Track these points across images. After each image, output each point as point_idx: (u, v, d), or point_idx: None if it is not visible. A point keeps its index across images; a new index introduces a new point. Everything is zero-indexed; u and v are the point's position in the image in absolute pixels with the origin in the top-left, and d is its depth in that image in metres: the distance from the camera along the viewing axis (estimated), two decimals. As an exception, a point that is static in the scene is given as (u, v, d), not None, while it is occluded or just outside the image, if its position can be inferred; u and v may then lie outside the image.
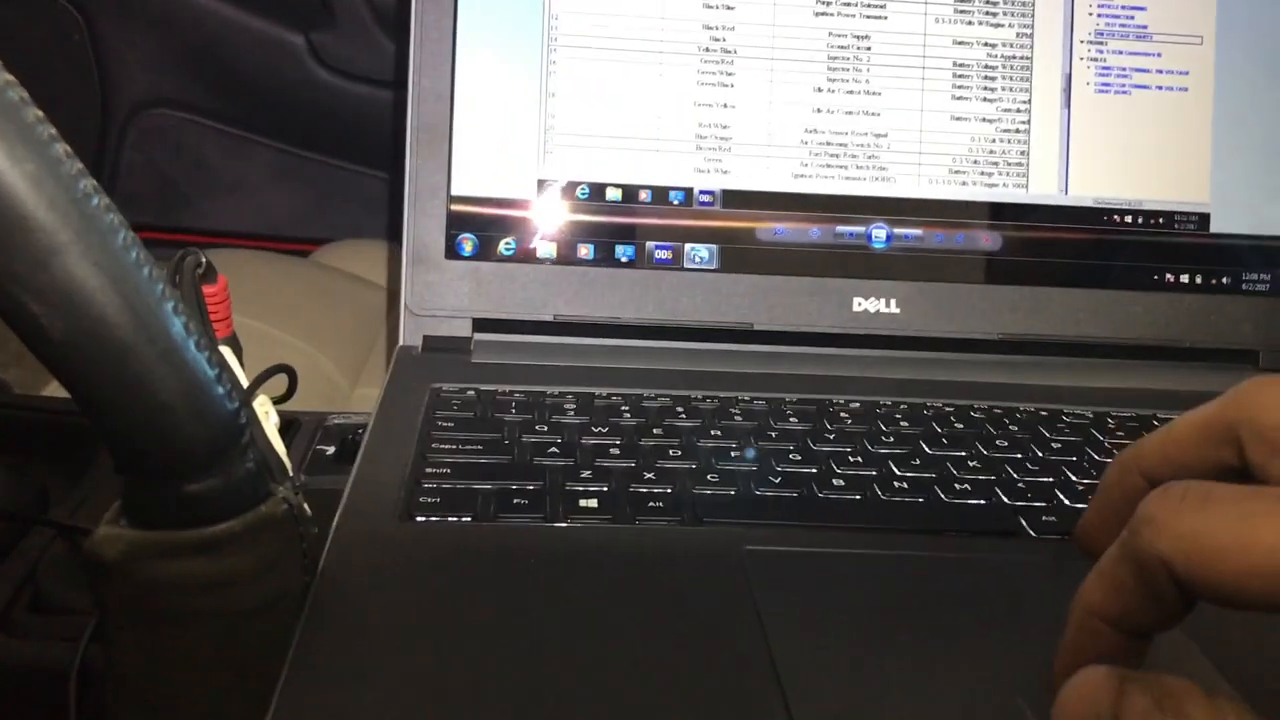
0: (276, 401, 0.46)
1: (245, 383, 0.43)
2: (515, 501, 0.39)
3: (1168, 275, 0.58)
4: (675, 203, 0.56)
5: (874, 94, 0.56)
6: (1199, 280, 0.58)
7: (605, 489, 0.40)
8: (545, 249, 0.56)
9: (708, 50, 0.56)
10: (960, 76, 0.57)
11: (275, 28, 1.11)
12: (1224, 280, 0.58)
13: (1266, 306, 0.58)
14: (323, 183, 1.18)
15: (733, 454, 0.44)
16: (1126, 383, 0.55)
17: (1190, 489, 0.22)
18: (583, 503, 0.39)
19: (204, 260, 0.46)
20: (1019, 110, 0.57)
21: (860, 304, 0.56)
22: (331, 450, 0.51)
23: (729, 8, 0.56)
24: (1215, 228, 0.58)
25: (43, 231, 0.27)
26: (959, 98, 0.57)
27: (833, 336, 0.56)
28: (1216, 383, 0.54)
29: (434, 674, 0.30)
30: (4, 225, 0.27)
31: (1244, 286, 0.58)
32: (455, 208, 0.55)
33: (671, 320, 0.56)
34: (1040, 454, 0.46)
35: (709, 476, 0.42)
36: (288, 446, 0.50)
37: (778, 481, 0.42)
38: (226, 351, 0.44)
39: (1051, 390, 0.53)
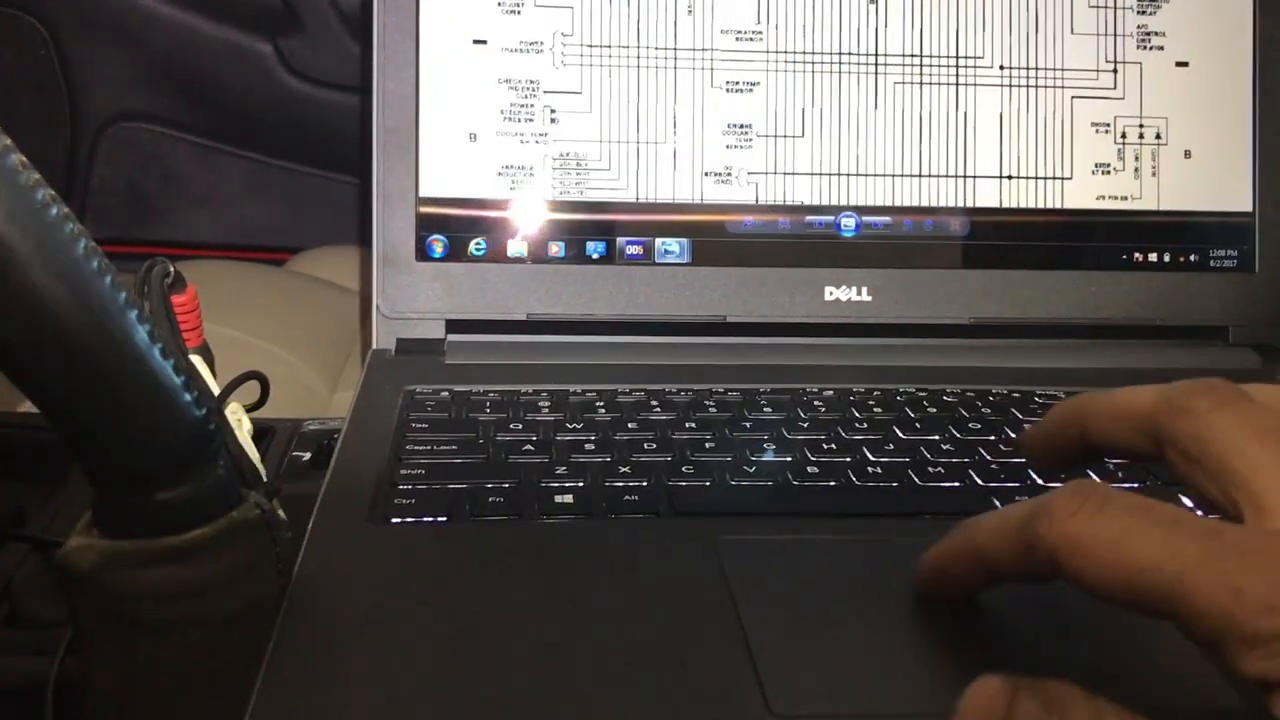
0: (250, 409, 0.46)
1: (216, 391, 0.43)
2: (490, 500, 0.39)
3: (1136, 254, 0.58)
4: (646, 198, 0.56)
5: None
6: (1167, 259, 0.58)
7: (580, 485, 0.40)
8: (516, 248, 0.56)
9: (675, 51, 0.56)
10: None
11: (243, 37, 1.11)
12: (1191, 258, 0.58)
13: (1234, 282, 0.58)
14: (295, 191, 1.17)
15: (707, 445, 0.44)
16: (1098, 363, 0.56)
17: (1092, 494, 0.25)
18: (558, 499, 0.39)
19: (172, 270, 0.46)
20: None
21: (832, 293, 0.57)
22: (307, 456, 0.51)
23: (690, 11, 0.56)
24: (1180, 205, 0.58)
25: (2, 245, 0.27)
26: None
27: (806, 326, 0.57)
28: (1186, 359, 0.55)
29: (410, 675, 0.30)
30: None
31: (1211, 263, 0.58)
32: (424, 209, 0.55)
33: (644, 315, 0.56)
34: (1013, 435, 0.46)
35: (684, 469, 0.42)
36: (262, 454, 0.50)
37: (752, 471, 0.42)
38: (197, 360, 0.44)
39: (1024, 372, 0.54)
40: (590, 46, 0.56)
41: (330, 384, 0.75)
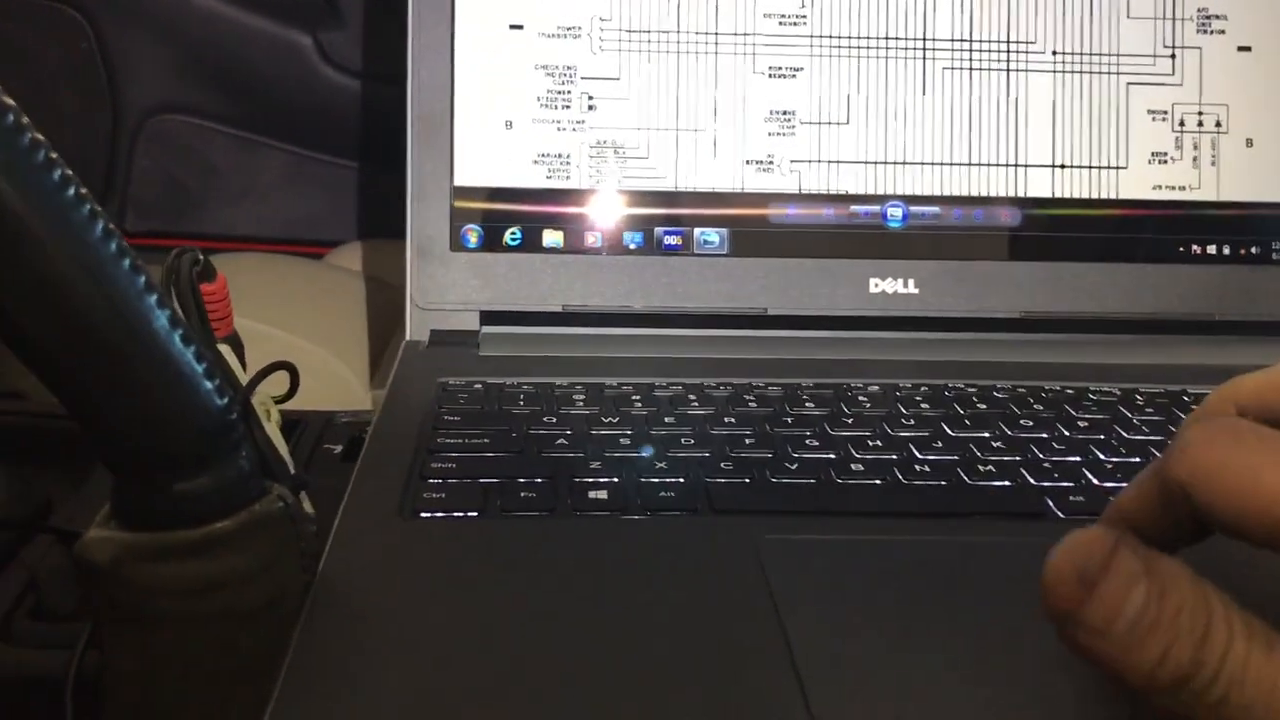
0: (279, 400, 0.45)
1: (244, 381, 0.42)
2: (522, 496, 0.37)
3: (1194, 247, 0.56)
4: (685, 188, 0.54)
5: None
6: (1226, 251, 0.56)
7: (616, 480, 0.39)
8: (552, 238, 0.54)
9: (718, 37, 0.55)
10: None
11: (282, 29, 1.11)
12: (1252, 250, 0.56)
13: (1298, 276, 0.56)
14: (335, 184, 1.17)
15: (747, 441, 0.42)
16: (1155, 359, 0.53)
17: (1227, 426, 0.23)
18: (592, 495, 0.38)
19: (201, 258, 0.45)
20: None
21: (877, 285, 0.55)
22: (339, 449, 0.50)
23: (733, -15, 0.55)
24: (1240, 195, 0.56)
25: (15, 224, 0.26)
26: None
27: (850, 319, 0.55)
28: (1247, 356, 0.53)
29: (435, 674, 0.28)
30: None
31: (1273, 256, 0.56)
32: (459, 199, 0.54)
33: (683, 307, 0.55)
34: (1067, 433, 0.44)
35: (723, 465, 0.40)
36: (292, 446, 0.49)
37: (794, 468, 0.40)
38: (226, 350, 0.44)
39: (1077, 368, 0.52)
40: (629, 31, 0.54)
41: (367, 378, 0.75)
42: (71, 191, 0.28)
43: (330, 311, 0.84)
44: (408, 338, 0.53)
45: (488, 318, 0.54)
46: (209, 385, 0.30)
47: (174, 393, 0.29)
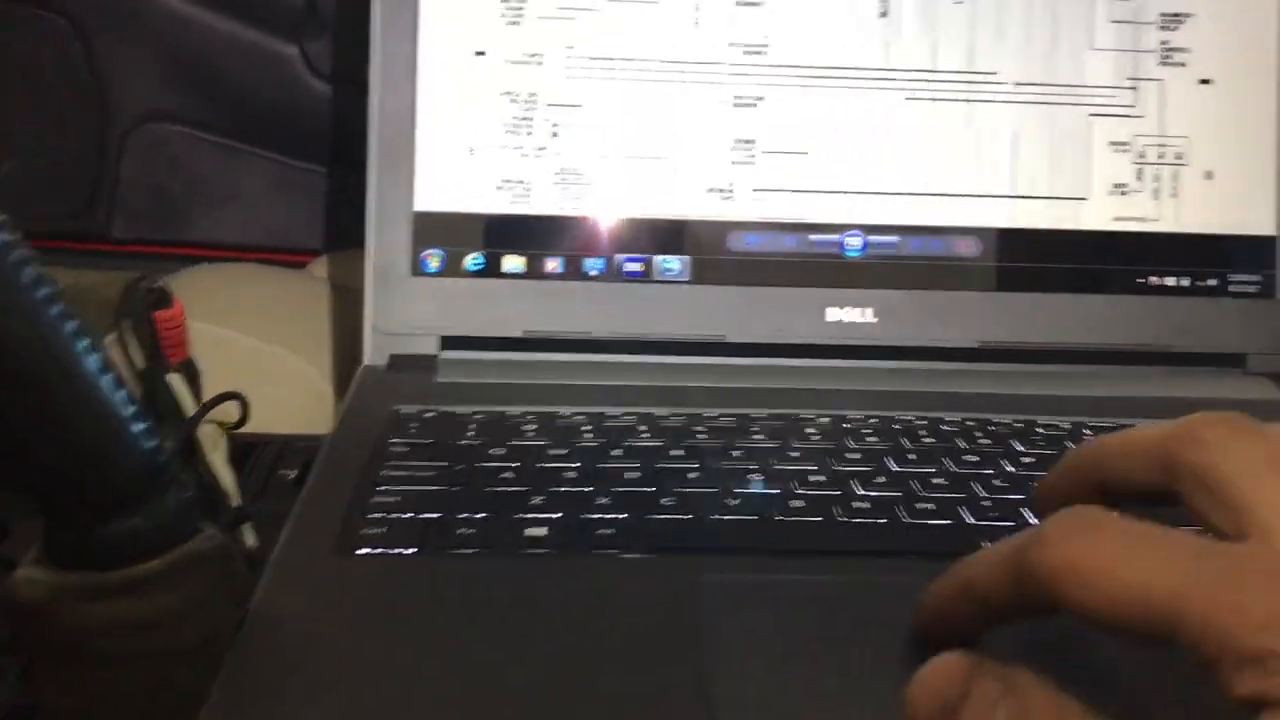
0: (234, 427, 0.45)
1: (193, 410, 0.42)
2: (460, 533, 0.38)
3: (1152, 278, 0.56)
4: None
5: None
6: (1185, 283, 0.56)
7: (557, 517, 0.39)
8: (513, 263, 0.55)
9: (679, 65, 0.55)
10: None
11: (268, 38, 1.11)
12: (1210, 282, 0.56)
13: (1254, 309, 0.56)
14: (320, 192, 1.17)
15: (691, 476, 0.43)
16: (1110, 390, 0.54)
17: (1086, 517, 0.24)
18: (531, 532, 0.38)
19: (157, 285, 0.46)
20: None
21: (836, 313, 0.55)
22: (293, 474, 0.51)
23: (696, 25, 0.55)
24: (1200, 228, 0.56)
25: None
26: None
27: (809, 347, 0.55)
28: (1201, 388, 0.53)
29: (351, 716, 0.29)
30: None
31: (1231, 289, 0.56)
32: (420, 223, 0.54)
33: (643, 334, 0.55)
34: (1010, 469, 0.45)
35: (664, 501, 0.41)
36: (247, 470, 0.50)
37: (735, 504, 0.41)
38: (176, 380, 0.44)
39: (1030, 400, 0.52)
40: (593, 59, 0.55)
41: (344, 392, 0.75)
42: (2, 237, 0.28)
43: (309, 323, 0.84)
44: (366, 362, 0.53)
45: (448, 342, 0.54)
46: (138, 428, 0.31)
47: (103, 436, 0.29)
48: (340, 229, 1.15)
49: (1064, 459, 0.31)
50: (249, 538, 0.41)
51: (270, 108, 1.14)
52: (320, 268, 1.02)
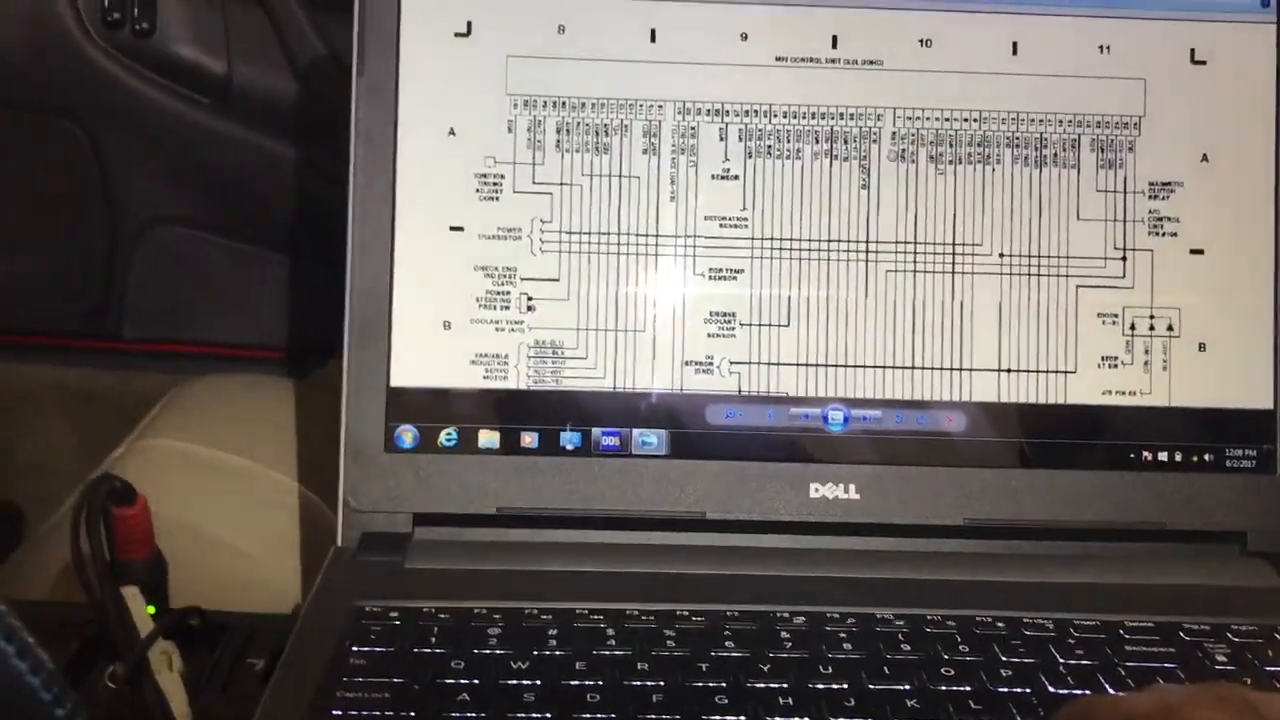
0: (185, 640, 0.44)
1: (144, 623, 0.41)
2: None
3: (1145, 453, 0.55)
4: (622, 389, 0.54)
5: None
6: (1178, 458, 0.55)
7: None
8: (488, 439, 0.54)
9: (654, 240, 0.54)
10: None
11: (275, 142, 1.12)
12: (1206, 458, 0.55)
13: (1252, 485, 0.54)
14: (327, 291, 1.18)
15: (655, 699, 0.41)
16: (1101, 577, 0.52)
17: (1230, 699, 0.25)
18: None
19: (118, 484, 0.45)
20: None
21: (818, 490, 0.54)
22: (260, 664, 0.50)
23: (672, 198, 0.54)
24: (1193, 401, 0.55)
25: None
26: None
27: (790, 524, 0.54)
28: (1197, 574, 0.51)
29: None
30: None
31: (1228, 464, 0.55)
32: (394, 399, 0.54)
33: (620, 510, 0.54)
34: (989, 685, 0.43)
35: (629, 729, 0.39)
36: (214, 659, 0.49)
37: (700, 729, 0.39)
38: (130, 593, 0.43)
39: (1016, 589, 0.51)
40: (569, 233, 0.54)
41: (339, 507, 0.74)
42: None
43: (309, 439, 0.84)
44: (338, 543, 0.53)
45: (421, 519, 0.53)
46: (45, 697, 0.30)
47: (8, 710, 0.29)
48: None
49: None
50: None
51: (277, 210, 1.15)
52: (327, 373, 1.02)
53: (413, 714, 0.40)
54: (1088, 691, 0.43)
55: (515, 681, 0.42)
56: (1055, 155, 0.55)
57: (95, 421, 1.23)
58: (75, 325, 1.20)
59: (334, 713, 0.40)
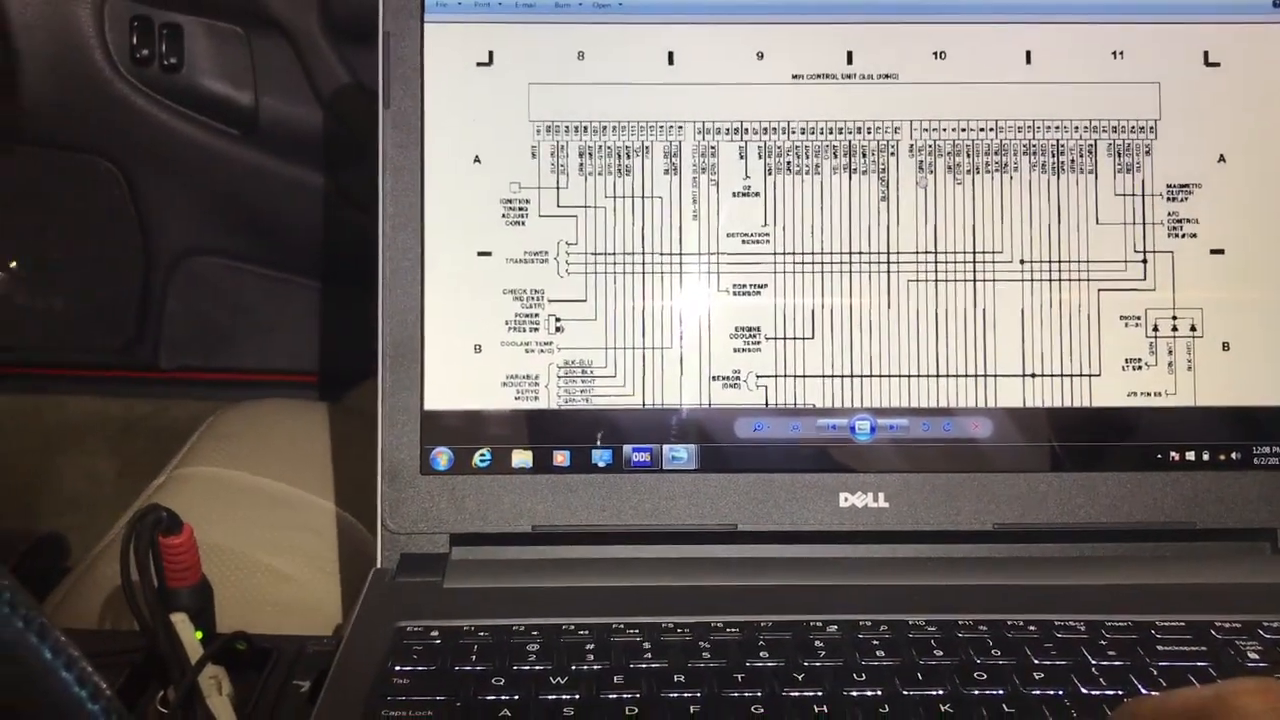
0: (232, 664, 0.45)
1: (194, 649, 0.43)
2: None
3: (1171, 454, 0.55)
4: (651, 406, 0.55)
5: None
6: (1205, 457, 0.55)
7: None
8: (521, 459, 0.55)
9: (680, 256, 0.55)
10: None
11: (305, 172, 1.14)
12: (1233, 456, 0.55)
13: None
14: (360, 316, 1.19)
15: (693, 710, 0.42)
16: (1132, 578, 0.53)
17: None
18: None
19: (164, 515, 0.47)
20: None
21: (847, 499, 0.55)
22: (306, 685, 0.51)
23: (695, 217, 0.55)
24: (1218, 400, 0.55)
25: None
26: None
27: (821, 534, 0.55)
28: (1227, 573, 0.52)
29: None
30: None
31: (1255, 461, 0.55)
32: (429, 423, 0.55)
33: (652, 525, 0.55)
34: (1023, 688, 0.44)
35: (662, 743, 0.40)
36: (261, 682, 0.50)
37: (733, 745, 0.40)
38: (180, 620, 0.45)
39: (1046, 593, 0.51)
40: (594, 254, 0.55)
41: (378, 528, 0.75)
42: None
43: (341, 461, 0.85)
44: (378, 564, 0.54)
45: (458, 539, 0.54)
46: (93, 708, 0.31)
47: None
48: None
49: None
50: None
51: (308, 237, 1.17)
52: (359, 396, 1.03)
53: (456, 729, 0.41)
54: (1120, 693, 0.44)
55: (554, 696, 0.43)
56: (1073, 161, 0.56)
57: (135, 450, 1.25)
58: (114, 356, 1.23)
59: (379, 732, 0.41)
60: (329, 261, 1.18)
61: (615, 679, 0.44)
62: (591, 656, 0.46)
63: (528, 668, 0.45)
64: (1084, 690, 0.44)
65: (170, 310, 1.21)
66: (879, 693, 0.43)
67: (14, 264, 1.17)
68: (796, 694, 0.43)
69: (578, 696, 0.43)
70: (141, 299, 1.21)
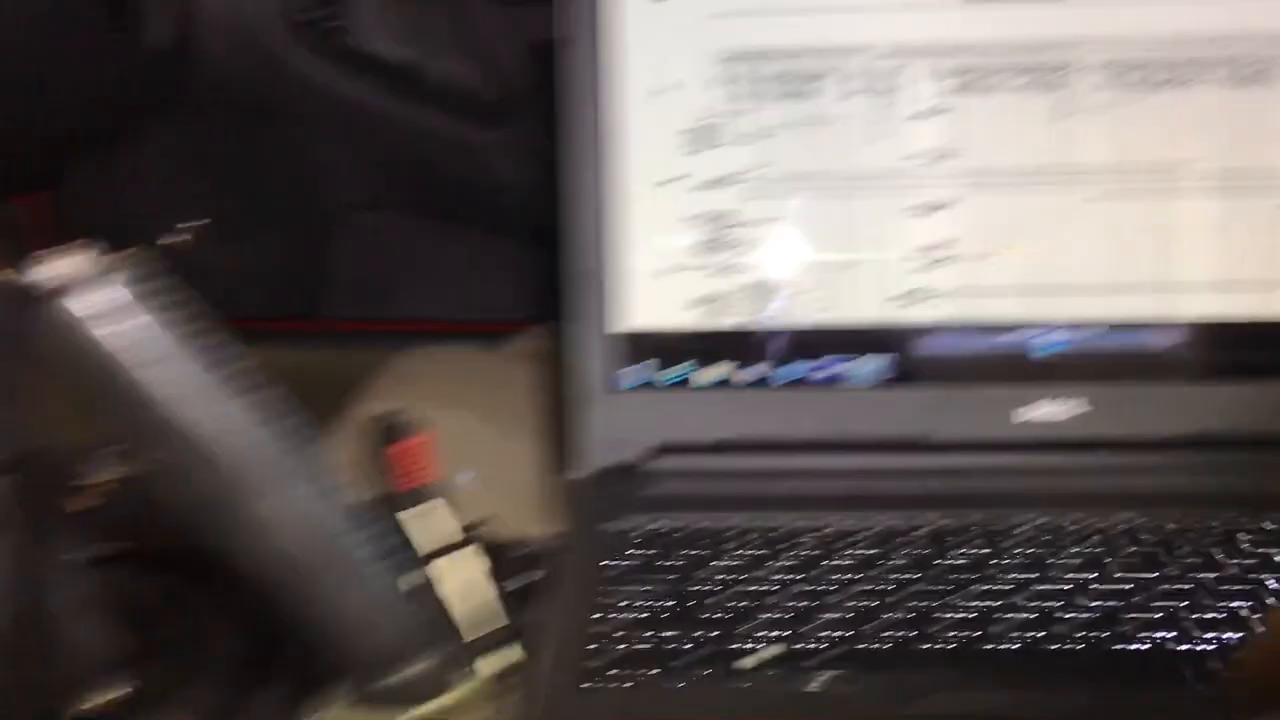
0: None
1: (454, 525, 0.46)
2: (687, 661, 0.41)
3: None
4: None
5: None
6: None
7: (775, 637, 0.42)
8: (709, 376, 0.57)
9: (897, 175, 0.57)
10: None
11: (466, 126, 1.17)
12: None
13: None
14: (519, 267, 1.23)
15: (890, 599, 0.44)
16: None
17: None
18: (744, 663, 0.41)
19: (400, 420, 0.51)
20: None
21: (1036, 410, 0.56)
22: (518, 587, 0.54)
23: (882, 136, 0.57)
24: None
25: (247, 479, 0.31)
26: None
27: (1012, 444, 0.56)
28: None
29: None
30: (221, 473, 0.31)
31: None
32: (617, 343, 0.57)
33: (843, 436, 0.56)
34: (1214, 583, 0.44)
35: (870, 626, 0.42)
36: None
37: (937, 630, 0.42)
38: (408, 517, 0.48)
39: (1236, 498, 0.51)
40: (779, 178, 0.57)
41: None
42: (291, 441, 0.32)
43: (513, 403, 0.88)
44: (573, 476, 0.57)
45: (647, 453, 0.57)
46: (399, 606, 0.35)
47: (366, 616, 0.34)
48: (539, 300, 1.20)
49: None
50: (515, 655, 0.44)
51: (469, 189, 1.21)
52: (526, 341, 1.07)
53: (678, 612, 0.44)
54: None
55: (765, 588, 0.46)
56: (1259, 73, 0.55)
57: (313, 397, 1.32)
58: (290, 308, 1.29)
59: (599, 618, 0.44)
60: (491, 214, 1.22)
61: (813, 571, 0.46)
62: (789, 555, 0.48)
63: (730, 562, 0.47)
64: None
65: (338, 263, 1.27)
66: (1072, 584, 0.45)
67: (205, 222, 1.24)
68: (994, 586, 0.45)
69: (792, 578, 0.46)
70: (312, 253, 1.26)
